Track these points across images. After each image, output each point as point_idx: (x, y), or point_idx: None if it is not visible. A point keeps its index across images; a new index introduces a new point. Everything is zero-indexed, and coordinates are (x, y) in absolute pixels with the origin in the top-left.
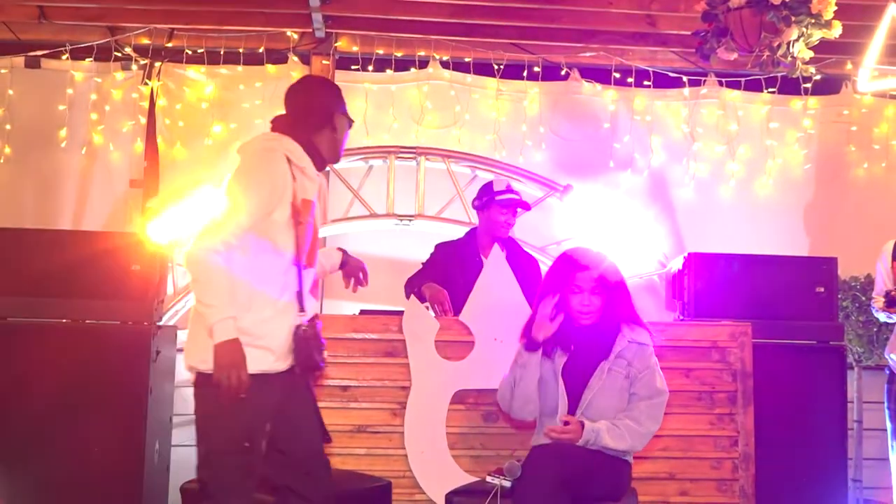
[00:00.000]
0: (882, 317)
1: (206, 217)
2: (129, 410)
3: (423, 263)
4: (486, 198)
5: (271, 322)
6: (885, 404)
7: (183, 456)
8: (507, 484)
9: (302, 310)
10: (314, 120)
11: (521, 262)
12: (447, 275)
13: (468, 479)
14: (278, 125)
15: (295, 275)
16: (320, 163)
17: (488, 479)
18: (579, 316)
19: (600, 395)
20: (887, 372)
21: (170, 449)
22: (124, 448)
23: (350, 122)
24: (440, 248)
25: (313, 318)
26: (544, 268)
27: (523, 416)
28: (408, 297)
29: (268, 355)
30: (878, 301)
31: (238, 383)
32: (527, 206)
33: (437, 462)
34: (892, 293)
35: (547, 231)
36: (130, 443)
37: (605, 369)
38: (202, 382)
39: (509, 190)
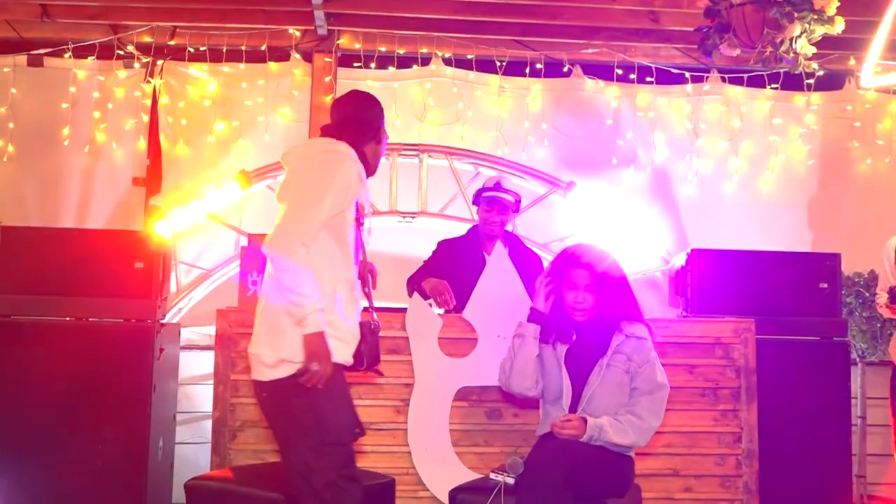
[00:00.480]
0: (886, 313)
1: (281, 212)
2: (132, 408)
3: (424, 261)
4: (475, 195)
5: (350, 316)
6: (889, 400)
7: (187, 453)
8: (511, 481)
9: (371, 306)
10: (366, 132)
11: (523, 258)
12: (450, 272)
13: (472, 475)
14: (331, 133)
15: (358, 272)
16: (366, 172)
17: (492, 476)
18: (572, 312)
19: (600, 390)
20: (891, 368)
21: (173, 446)
22: (128, 445)
23: (386, 136)
24: (442, 245)
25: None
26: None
27: (521, 391)
28: (410, 294)
29: (348, 348)
30: (882, 297)
31: (324, 374)
32: (501, 204)
33: (441, 459)
34: None
35: (550, 228)
36: (134, 440)
37: (603, 365)
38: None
39: (496, 187)
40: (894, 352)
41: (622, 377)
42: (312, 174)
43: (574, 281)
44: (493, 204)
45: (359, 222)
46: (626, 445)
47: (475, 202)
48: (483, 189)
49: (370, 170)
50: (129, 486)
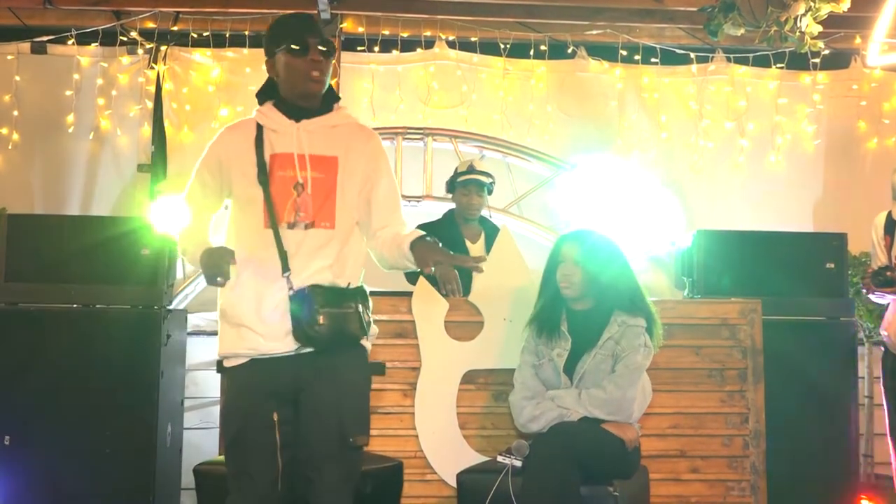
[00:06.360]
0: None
1: None
2: (140, 394)
3: None
4: (450, 180)
5: (241, 299)
6: (881, 380)
7: (195, 438)
8: (518, 463)
9: (287, 270)
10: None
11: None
12: None
13: (479, 458)
14: None
15: (272, 237)
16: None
17: (499, 458)
18: (562, 288)
19: (586, 378)
20: (882, 348)
21: (182, 431)
22: (137, 431)
23: (297, 49)
24: (425, 228)
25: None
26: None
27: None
28: (408, 278)
29: (257, 338)
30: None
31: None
32: (479, 184)
33: (449, 442)
34: (889, 273)
35: (555, 210)
36: (142, 426)
37: (592, 355)
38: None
39: (471, 170)
40: (887, 331)
41: (608, 362)
42: None
43: (563, 254)
44: (471, 186)
45: (261, 179)
46: (602, 418)
47: (449, 189)
48: (458, 174)
49: (291, 91)
50: (137, 472)
